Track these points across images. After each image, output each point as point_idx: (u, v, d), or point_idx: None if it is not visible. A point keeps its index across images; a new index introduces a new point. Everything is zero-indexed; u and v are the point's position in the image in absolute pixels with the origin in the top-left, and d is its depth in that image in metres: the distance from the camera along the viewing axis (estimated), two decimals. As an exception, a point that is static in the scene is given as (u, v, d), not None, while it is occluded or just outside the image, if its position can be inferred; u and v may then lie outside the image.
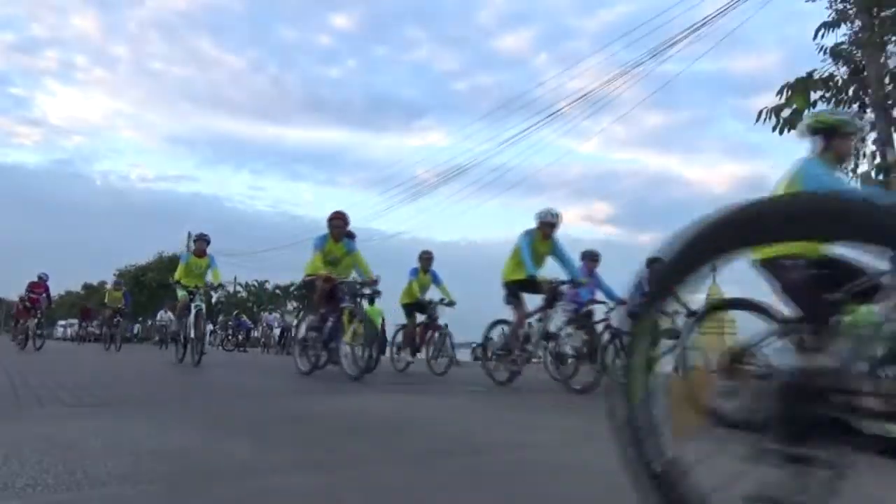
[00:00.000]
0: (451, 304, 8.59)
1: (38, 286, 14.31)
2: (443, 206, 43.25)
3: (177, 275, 8.66)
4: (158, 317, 28.35)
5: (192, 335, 8.03)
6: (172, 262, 44.17)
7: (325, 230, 6.98)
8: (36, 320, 13.62)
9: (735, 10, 10.02)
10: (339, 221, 7.02)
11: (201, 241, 9.05)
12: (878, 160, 8.33)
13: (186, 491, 1.63)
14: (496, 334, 6.79)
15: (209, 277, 8.84)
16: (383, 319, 14.69)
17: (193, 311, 8.15)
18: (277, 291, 58.77)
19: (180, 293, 8.60)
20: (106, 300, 14.51)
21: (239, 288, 49.12)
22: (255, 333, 29.45)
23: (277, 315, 28.93)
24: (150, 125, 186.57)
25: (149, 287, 42.31)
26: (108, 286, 14.82)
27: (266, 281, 59.08)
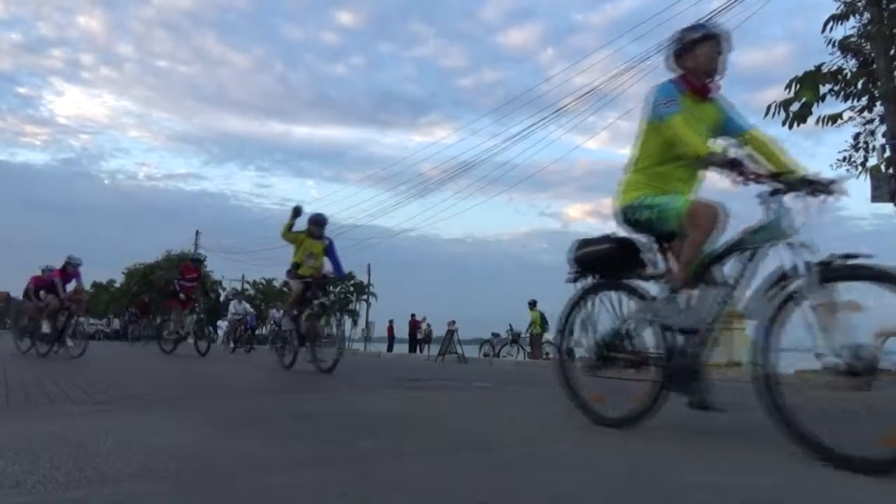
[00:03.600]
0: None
1: (192, 271, 10.98)
2: (449, 203, 42.99)
3: None
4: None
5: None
6: (181, 259, 44.31)
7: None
8: (195, 315, 10.33)
9: (742, 2, 9.95)
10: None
11: None
12: (887, 153, 8.26)
13: (197, 488, 1.64)
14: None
15: None
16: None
17: None
18: (285, 289, 58.93)
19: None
20: (296, 257, 6.84)
21: (247, 286, 49.28)
22: (263, 331, 29.54)
23: (273, 311, 28.80)
24: (157, 123, 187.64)
25: (157, 285, 42.42)
26: (300, 230, 6.83)
27: (273, 279, 59.30)
